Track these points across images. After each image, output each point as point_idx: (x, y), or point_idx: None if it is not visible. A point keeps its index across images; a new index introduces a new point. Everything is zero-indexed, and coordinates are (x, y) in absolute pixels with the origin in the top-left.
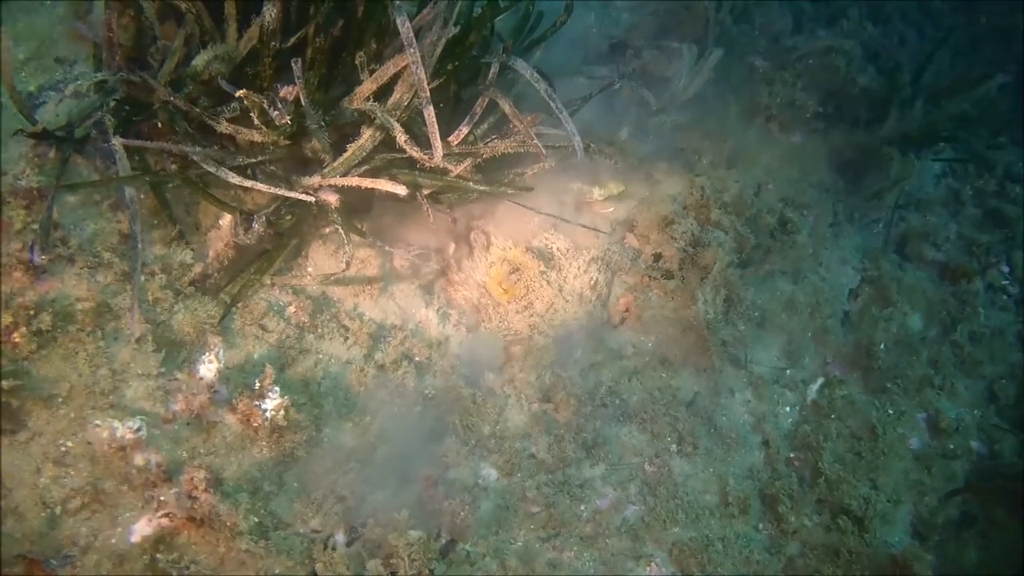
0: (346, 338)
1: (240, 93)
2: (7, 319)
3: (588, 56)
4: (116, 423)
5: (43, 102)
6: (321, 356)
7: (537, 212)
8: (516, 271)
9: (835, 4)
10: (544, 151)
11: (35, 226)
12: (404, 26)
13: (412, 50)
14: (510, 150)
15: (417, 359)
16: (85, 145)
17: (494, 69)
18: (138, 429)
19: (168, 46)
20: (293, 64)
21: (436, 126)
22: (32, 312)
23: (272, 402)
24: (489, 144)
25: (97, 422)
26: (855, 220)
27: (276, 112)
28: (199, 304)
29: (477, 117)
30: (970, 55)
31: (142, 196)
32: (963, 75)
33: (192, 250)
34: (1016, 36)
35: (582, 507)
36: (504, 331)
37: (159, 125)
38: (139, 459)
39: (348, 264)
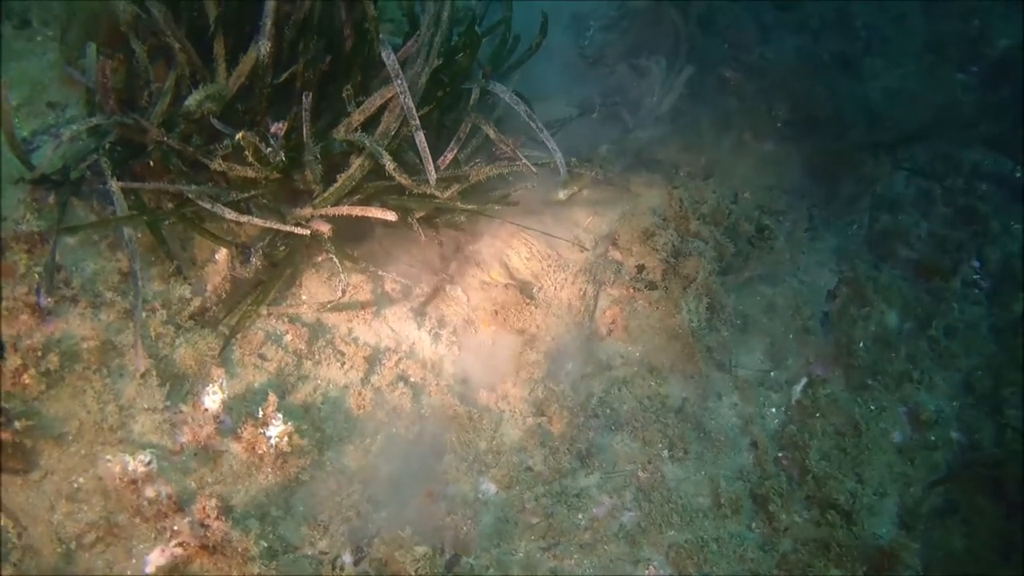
0: (343, 363)
1: (239, 136)
2: (16, 361)
3: (565, 74)
4: (128, 457)
5: (37, 147)
6: (320, 382)
7: (524, 228)
8: (502, 310)
9: (801, 11)
10: (534, 171)
11: (38, 269)
12: (390, 59)
13: (399, 80)
14: (495, 172)
15: (412, 380)
16: (80, 187)
17: (475, 95)
18: (149, 462)
19: (160, 87)
20: (304, 98)
21: (428, 151)
22: (40, 353)
23: (276, 429)
24: (476, 168)
25: (108, 457)
26: (830, 224)
27: (270, 149)
28: (199, 337)
29: (462, 141)
30: (935, 56)
31: (139, 235)
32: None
33: (190, 285)
34: (976, 39)
35: (580, 516)
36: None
37: (151, 164)
38: (150, 491)
39: (344, 292)
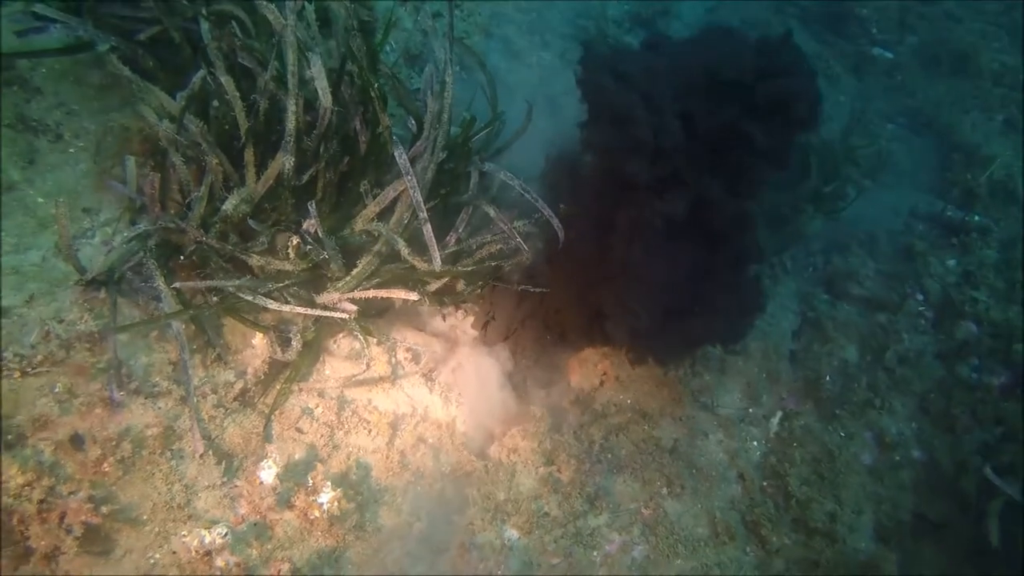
0: (369, 430)
1: (292, 245)
2: (97, 452)
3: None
4: (203, 531)
5: (77, 250)
6: (351, 449)
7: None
8: None
9: None
10: (527, 249)
11: (101, 366)
12: (401, 158)
13: (409, 177)
14: (494, 249)
15: (430, 441)
16: (121, 285)
17: (474, 179)
18: (225, 534)
19: (195, 192)
20: (310, 207)
21: (434, 240)
22: (115, 443)
23: (327, 495)
24: (478, 245)
25: (183, 533)
26: (789, 269)
27: (309, 247)
28: (244, 417)
29: (465, 221)
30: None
31: (183, 327)
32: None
33: (232, 369)
34: (902, 92)
35: (595, 553)
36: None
37: (181, 259)
38: (220, 561)
39: (368, 365)
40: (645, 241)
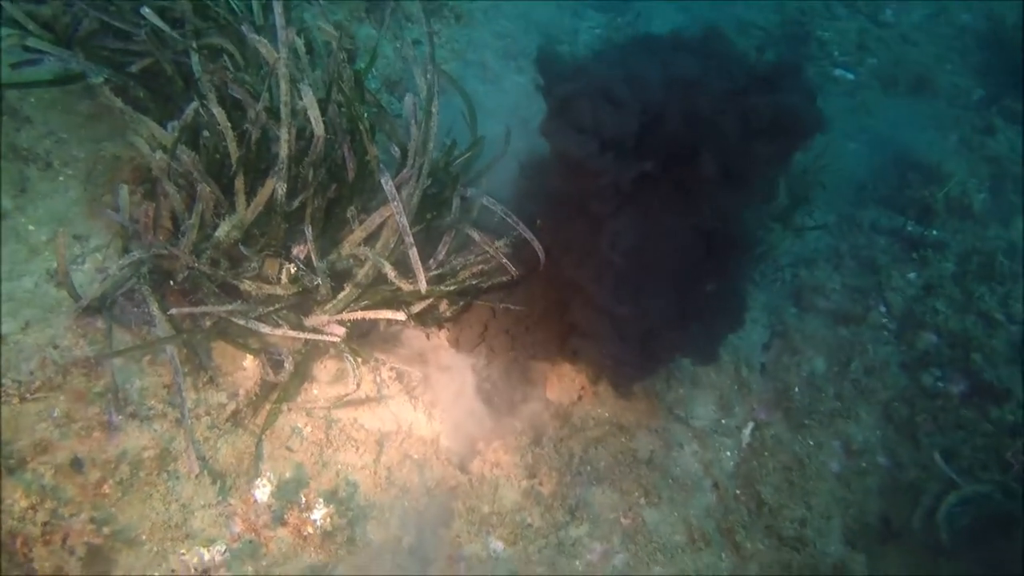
0: (357, 448)
1: (289, 272)
2: (96, 474)
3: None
4: (203, 549)
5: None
6: (340, 466)
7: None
8: None
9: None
10: (514, 270)
11: (98, 390)
12: (388, 185)
13: (396, 203)
14: (476, 269)
15: (416, 457)
16: (113, 310)
17: (456, 203)
18: (224, 552)
19: (188, 220)
20: (307, 230)
21: (420, 263)
22: (114, 465)
23: (320, 512)
24: (460, 264)
25: (182, 551)
26: (758, 283)
27: (301, 272)
28: (236, 437)
29: (447, 247)
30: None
31: (176, 350)
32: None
33: (224, 391)
34: (861, 112)
35: (577, 562)
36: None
37: (172, 284)
38: None
39: (358, 385)
40: (597, 266)
